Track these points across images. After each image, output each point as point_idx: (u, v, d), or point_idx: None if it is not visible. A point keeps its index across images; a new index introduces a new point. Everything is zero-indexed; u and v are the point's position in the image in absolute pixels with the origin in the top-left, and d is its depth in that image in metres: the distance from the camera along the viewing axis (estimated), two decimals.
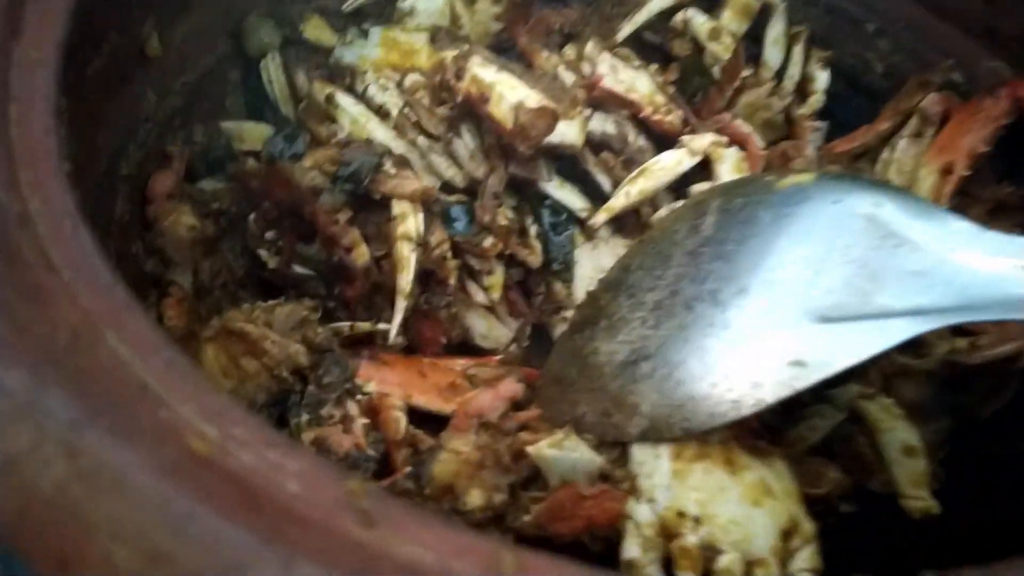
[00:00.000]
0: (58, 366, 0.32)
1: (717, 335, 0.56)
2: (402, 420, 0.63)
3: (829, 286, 0.55)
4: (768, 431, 0.65)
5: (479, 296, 0.78)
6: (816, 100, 0.92)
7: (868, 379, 0.65)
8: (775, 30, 0.91)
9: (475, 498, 0.57)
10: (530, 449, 0.58)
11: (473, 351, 0.81)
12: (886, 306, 0.54)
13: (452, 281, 0.74)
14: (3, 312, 0.33)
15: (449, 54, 0.78)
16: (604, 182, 0.85)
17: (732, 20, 0.92)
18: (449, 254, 0.74)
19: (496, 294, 0.79)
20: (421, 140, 0.76)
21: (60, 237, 0.41)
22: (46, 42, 0.50)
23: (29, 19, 0.51)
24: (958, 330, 0.68)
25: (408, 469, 0.59)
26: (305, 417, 0.63)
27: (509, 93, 0.72)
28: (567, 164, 0.85)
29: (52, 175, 0.44)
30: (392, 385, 0.68)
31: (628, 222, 0.85)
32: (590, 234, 0.84)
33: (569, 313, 0.82)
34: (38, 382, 0.31)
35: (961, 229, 0.56)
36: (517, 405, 0.69)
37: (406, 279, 0.70)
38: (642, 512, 0.55)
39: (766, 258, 0.58)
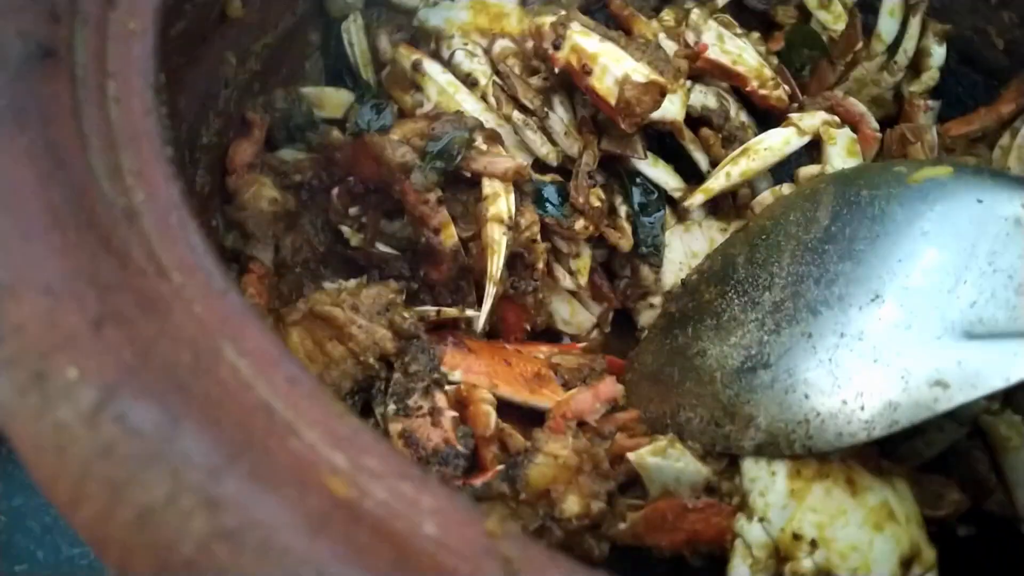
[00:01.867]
0: (187, 395, 0.29)
1: (849, 346, 0.52)
2: (492, 414, 0.60)
3: (973, 298, 0.51)
4: (879, 442, 0.61)
5: (566, 280, 0.74)
6: (930, 77, 0.86)
7: (994, 394, 0.61)
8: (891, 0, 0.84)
9: (573, 505, 0.54)
10: (631, 456, 0.55)
11: (554, 336, 0.77)
12: None
13: (541, 266, 0.70)
14: (122, 327, 0.30)
15: (545, 20, 0.73)
16: (701, 160, 0.80)
17: None
18: (539, 237, 0.70)
19: (583, 278, 0.75)
20: (516, 114, 0.71)
21: (168, 235, 0.37)
22: (143, 10, 0.46)
23: None
24: None
25: (500, 469, 0.56)
26: (392, 407, 0.60)
27: (614, 65, 0.67)
28: (657, 140, 0.80)
29: (155, 161, 0.40)
30: (478, 374, 0.64)
31: (724, 205, 0.80)
32: (683, 216, 0.80)
33: (656, 299, 0.78)
34: (170, 418, 0.28)
35: None
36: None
37: (496, 264, 0.66)
38: (754, 532, 0.52)
39: (902, 262, 0.54)
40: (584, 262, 0.76)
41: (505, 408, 0.65)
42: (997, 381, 0.48)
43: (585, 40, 0.69)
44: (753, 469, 0.53)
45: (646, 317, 0.79)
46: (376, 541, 0.28)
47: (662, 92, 0.67)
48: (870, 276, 0.54)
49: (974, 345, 0.49)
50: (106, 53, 0.43)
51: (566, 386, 0.69)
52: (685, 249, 0.79)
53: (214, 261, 0.38)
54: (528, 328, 0.74)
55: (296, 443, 0.31)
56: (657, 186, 0.79)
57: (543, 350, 0.74)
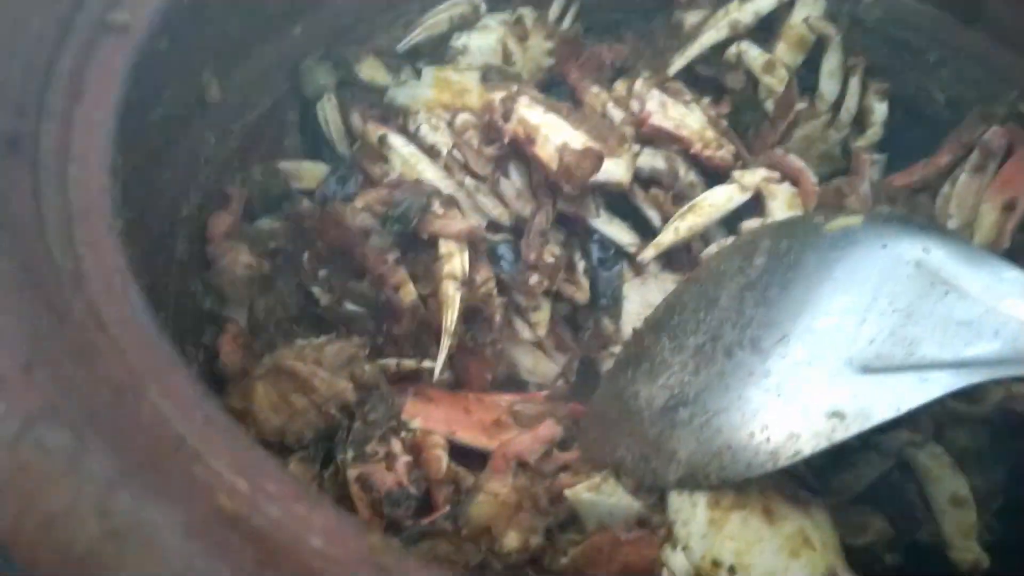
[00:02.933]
0: (100, 425, 0.34)
1: (757, 384, 0.56)
2: (443, 459, 0.64)
3: (873, 335, 0.54)
4: (816, 476, 0.64)
5: (525, 332, 0.79)
6: (874, 132, 0.91)
7: (918, 426, 0.64)
8: (831, 62, 0.89)
9: (512, 540, 0.58)
10: (568, 492, 0.59)
11: (521, 386, 0.81)
12: (931, 357, 0.52)
13: (497, 319, 0.75)
14: (51, 372, 0.36)
15: (498, 94, 0.79)
16: (654, 217, 0.85)
17: (787, 52, 0.91)
18: (495, 292, 0.75)
19: (542, 330, 0.80)
20: (468, 181, 0.77)
21: (111, 294, 0.43)
22: (105, 102, 0.53)
23: (90, 80, 0.54)
24: None
25: (447, 509, 0.60)
26: (351, 454, 0.64)
27: (554, 135, 0.73)
28: (617, 198, 0.85)
29: (105, 233, 0.46)
30: (437, 422, 0.69)
31: (678, 257, 0.85)
32: (639, 269, 0.84)
33: (616, 349, 0.82)
34: (80, 443, 0.33)
35: (1012, 278, 0.54)
36: (562, 443, 0.70)
37: (451, 318, 0.71)
38: (677, 560, 0.55)
39: (809, 305, 0.58)
40: (543, 315, 0.81)
41: (466, 454, 0.70)
42: (889, 411, 0.51)
43: (530, 112, 0.75)
44: (677, 501, 0.57)
45: (608, 366, 0.83)
46: (253, 545, 0.32)
47: (600, 158, 0.72)
48: (780, 319, 0.58)
49: (870, 379, 0.53)
50: (71, 141, 0.50)
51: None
52: (642, 300, 0.83)
53: (152, 318, 0.43)
54: (490, 378, 0.78)
55: (199, 468, 0.35)
56: (614, 242, 0.84)
57: (505, 399, 0.77)
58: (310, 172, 0.85)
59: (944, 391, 0.51)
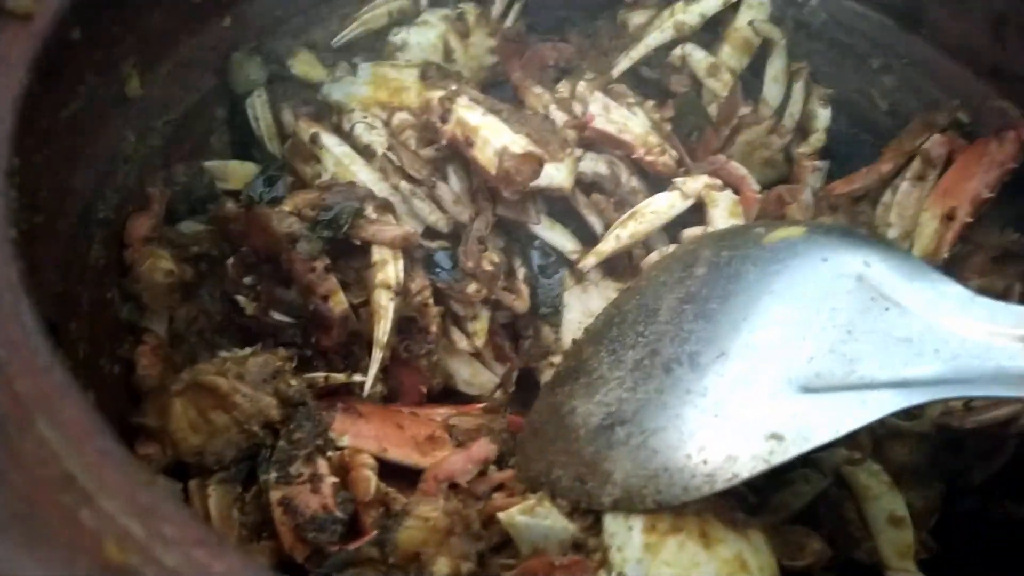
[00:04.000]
0: None
1: (694, 402, 0.54)
2: (372, 480, 0.61)
3: (813, 353, 0.53)
4: (754, 493, 0.63)
5: (462, 343, 0.76)
6: (817, 139, 0.90)
7: (857, 443, 0.63)
8: (775, 67, 0.89)
9: (442, 567, 0.55)
10: (501, 515, 0.56)
11: (458, 398, 0.79)
12: (870, 377, 0.51)
13: (433, 329, 0.72)
14: None
15: (437, 93, 0.76)
16: (596, 223, 0.83)
17: (731, 56, 0.90)
18: (431, 301, 0.73)
19: (480, 340, 0.77)
20: (404, 184, 0.74)
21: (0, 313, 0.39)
22: (2, 99, 0.49)
23: None
24: None
25: (374, 534, 0.57)
26: (274, 475, 0.61)
27: (494, 137, 0.71)
28: (559, 204, 0.83)
29: None
30: (367, 438, 0.66)
31: (620, 265, 0.83)
32: (580, 277, 0.82)
33: (557, 359, 0.80)
34: None
35: (953, 294, 0.54)
36: (498, 459, 0.67)
37: (383, 329, 0.68)
38: None
39: (749, 320, 0.56)
40: (481, 324, 0.78)
41: (399, 472, 0.67)
42: (828, 434, 0.50)
43: (469, 113, 0.72)
44: (612, 524, 0.55)
45: (548, 376, 0.81)
46: None
47: (539, 163, 0.70)
48: (719, 334, 0.56)
49: (809, 399, 0.51)
50: None
51: (461, 447, 0.71)
52: (583, 309, 0.82)
53: (44, 339, 0.39)
54: (425, 390, 0.75)
55: (86, 512, 0.32)
56: (555, 248, 0.81)
57: (440, 412, 0.75)
58: (238, 172, 0.81)
59: (884, 413, 0.50)
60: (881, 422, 0.64)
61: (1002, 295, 0.70)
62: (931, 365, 0.51)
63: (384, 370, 0.70)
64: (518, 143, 0.71)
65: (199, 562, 0.33)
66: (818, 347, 0.53)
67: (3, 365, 0.38)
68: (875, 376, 0.51)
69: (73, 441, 0.36)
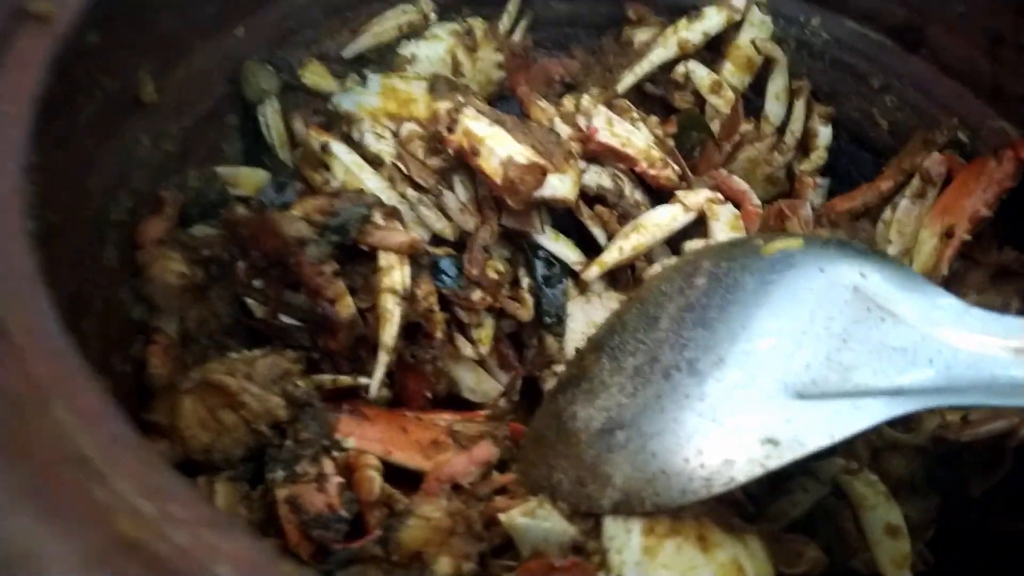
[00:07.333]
0: None
1: (692, 407, 0.55)
2: (376, 480, 0.62)
3: (809, 360, 0.54)
4: (753, 501, 0.64)
5: (467, 349, 0.77)
6: (818, 156, 0.92)
7: (855, 453, 0.64)
8: (776, 84, 0.90)
9: (444, 566, 0.56)
10: (502, 517, 0.57)
11: (462, 404, 0.80)
12: (865, 384, 0.52)
13: (439, 335, 0.73)
14: None
15: (442, 104, 0.78)
16: (599, 235, 0.84)
17: (734, 73, 0.92)
18: (437, 307, 0.74)
19: (485, 347, 0.78)
20: (411, 192, 0.75)
21: (17, 299, 0.41)
22: (21, 96, 0.50)
23: (6, 71, 0.51)
24: None
25: (378, 533, 0.58)
26: (280, 474, 0.62)
27: (499, 148, 0.72)
28: (563, 215, 0.84)
29: (16, 235, 0.44)
30: (372, 441, 0.67)
31: (622, 276, 0.84)
32: (583, 288, 0.83)
33: (560, 368, 0.81)
34: None
35: (947, 305, 0.55)
36: (500, 464, 0.68)
37: (389, 333, 0.69)
38: None
39: (747, 328, 0.57)
40: (486, 332, 0.79)
41: (403, 474, 0.68)
42: (823, 439, 0.51)
43: (475, 124, 0.74)
44: (611, 527, 0.56)
45: (551, 384, 0.82)
46: (147, 574, 0.30)
47: (543, 173, 0.71)
48: (718, 342, 0.57)
49: (805, 405, 0.52)
50: None
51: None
52: (586, 319, 0.83)
53: (60, 326, 0.41)
54: (430, 396, 0.76)
55: (100, 490, 0.33)
56: (559, 259, 0.83)
57: (445, 417, 0.76)
58: (249, 178, 0.82)
59: (878, 420, 0.51)
60: (879, 433, 0.66)
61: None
62: (925, 374, 0.52)
63: (390, 375, 0.72)
64: (523, 153, 0.72)
65: (208, 542, 0.34)
66: (814, 355, 0.54)
67: (21, 350, 0.39)
68: (869, 384, 0.52)
69: (87, 424, 0.37)
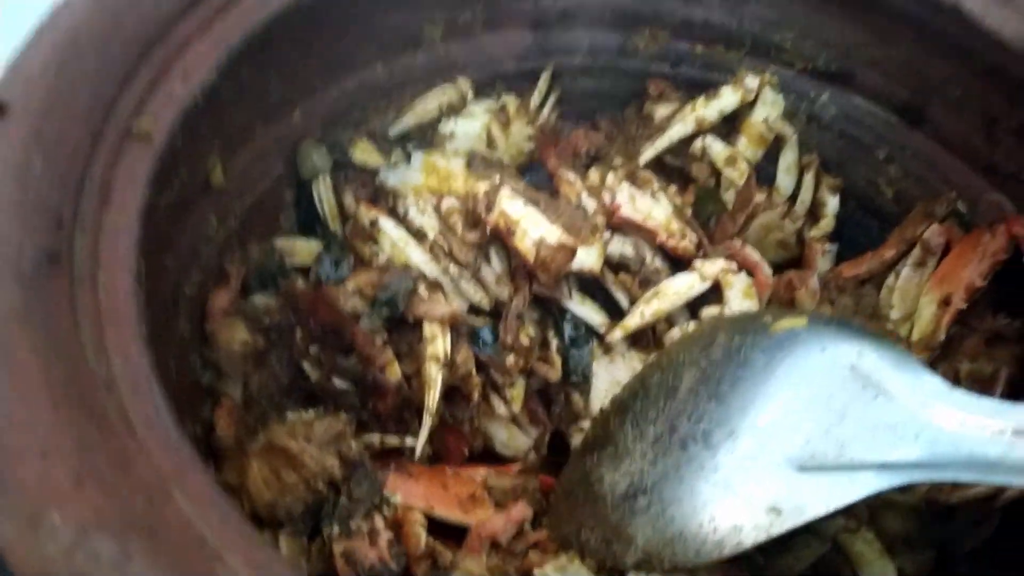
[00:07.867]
0: (139, 533, 0.40)
1: (707, 478, 0.62)
2: (422, 535, 0.70)
3: (809, 435, 0.61)
4: (762, 555, 0.70)
5: (501, 408, 0.85)
6: (826, 223, 0.99)
7: (854, 512, 0.70)
8: (787, 159, 0.97)
9: None
10: (536, 572, 0.64)
11: (495, 458, 0.87)
12: (859, 459, 0.59)
13: (475, 397, 0.81)
14: (96, 481, 0.41)
15: (481, 185, 0.86)
16: (622, 299, 0.91)
17: (747, 148, 0.99)
18: (474, 371, 0.81)
19: (517, 406, 0.85)
20: (452, 267, 0.83)
21: (138, 397, 0.49)
22: (130, 209, 0.59)
23: (117, 188, 0.59)
24: None
25: None
26: (336, 529, 0.70)
27: (532, 229, 0.80)
28: (588, 280, 0.92)
29: (132, 338, 0.52)
30: (416, 497, 0.74)
31: (644, 337, 0.91)
32: (607, 348, 0.90)
33: (586, 423, 0.88)
34: (124, 552, 0.38)
35: (932, 384, 0.61)
36: (534, 517, 0.76)
37: (432, 398, 0.77)
38: None
39: (755, 403, 0.64)
40: (518, 391, 0.87)
41: (445, 527, 0.75)
42: (820, 509, 0.58)
43: (511, 205, 0.82)
44: None
45: (577, 439, 0.89)
46: None
47: (572, 252, 0.79)
48: (730, 415, 0.64)
49: (805, 477, 0.59)
50: (99, 248, 0.55)
51: (499, 506, 0.79)
52: (610, 377, 0.90)
53: (172, 419, 0.49)
54: (467, 452, 0.84)
55: (220, 568, 0.41)
56: (585, 322, 0.90)
57: (480, 472, 0.83)
58: (304, 249, 0.90)
59: (869, 492, 0.58)
60: (876, 494, 0.72)
61: (990, 378, 0.77)
62: (912, 450, 0.58)
63: (431, 434, 0.79)
64: (553, 233, 0.80)
65: None
66: (814, 430, 0.61)
67: (144, 442, 0.47)
68: (863, 458, 0.59)
69: (200, 509, 0.44)
